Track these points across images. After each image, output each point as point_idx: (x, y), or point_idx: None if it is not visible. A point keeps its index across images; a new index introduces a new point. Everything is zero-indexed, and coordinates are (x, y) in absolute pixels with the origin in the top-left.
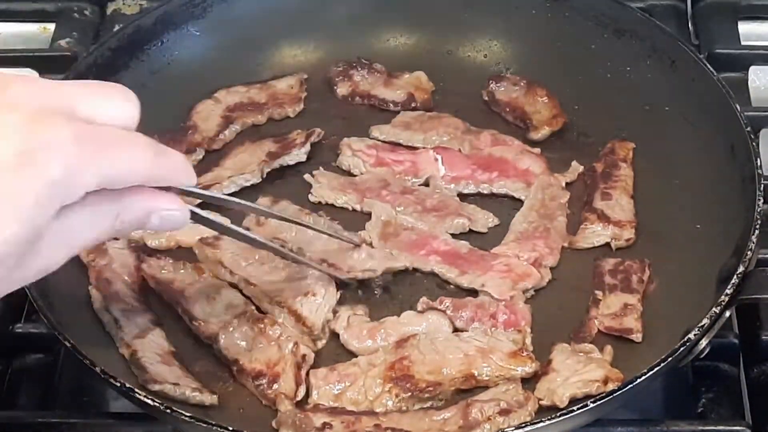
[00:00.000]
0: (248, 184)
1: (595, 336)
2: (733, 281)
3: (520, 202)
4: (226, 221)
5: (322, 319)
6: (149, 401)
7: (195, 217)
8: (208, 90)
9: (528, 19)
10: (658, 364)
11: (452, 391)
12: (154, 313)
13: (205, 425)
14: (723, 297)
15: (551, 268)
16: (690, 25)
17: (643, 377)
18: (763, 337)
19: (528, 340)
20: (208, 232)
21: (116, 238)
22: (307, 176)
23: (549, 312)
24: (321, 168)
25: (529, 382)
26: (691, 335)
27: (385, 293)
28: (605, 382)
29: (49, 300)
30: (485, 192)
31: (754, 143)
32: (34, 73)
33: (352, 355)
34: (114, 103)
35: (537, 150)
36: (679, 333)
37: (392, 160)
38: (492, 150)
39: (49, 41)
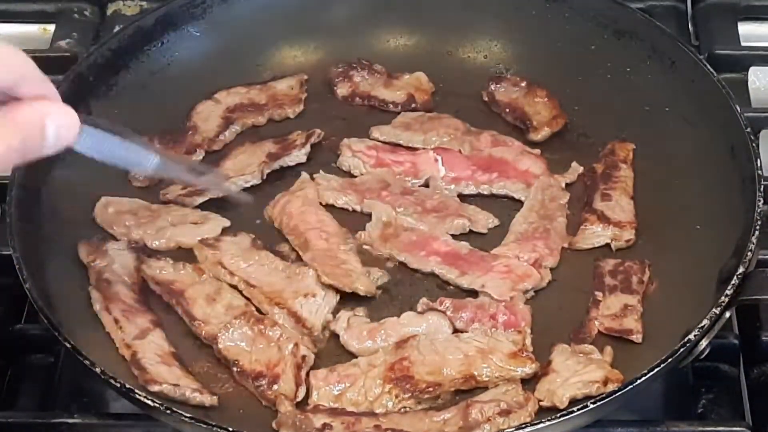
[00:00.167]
0: (248, 185)
1: (595, 337)
2: (733, 282)
3: (520, 202)
4: (225, 222)
5: (322, 320)
6: (149, 402)
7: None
8: (208, 91)
9: (528, 20)
10: (658, 365)
11: (452, 391)
12: (154, 314)
13: (205, 426)
14: (723, 298)
15: (551, 269)
16: (690, 25)
17: (643, 378)
18: (763, 338)
19: (528, 341)
20: (208, 233)
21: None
22: (306, 176)
23: (549, 313)
24: (321, 171)
25: (529, 382)
26: (691, 336)
27: (385, 294)
28: (605, 382)
29: (49, 300)
30: (485, 193)
31: (754, 144)
32: None
33: (352, 355)
34: None
35: (537, 151)
36: (679, 334)
37: (392, 160)
38: (492, 151)
39: (49, 42)
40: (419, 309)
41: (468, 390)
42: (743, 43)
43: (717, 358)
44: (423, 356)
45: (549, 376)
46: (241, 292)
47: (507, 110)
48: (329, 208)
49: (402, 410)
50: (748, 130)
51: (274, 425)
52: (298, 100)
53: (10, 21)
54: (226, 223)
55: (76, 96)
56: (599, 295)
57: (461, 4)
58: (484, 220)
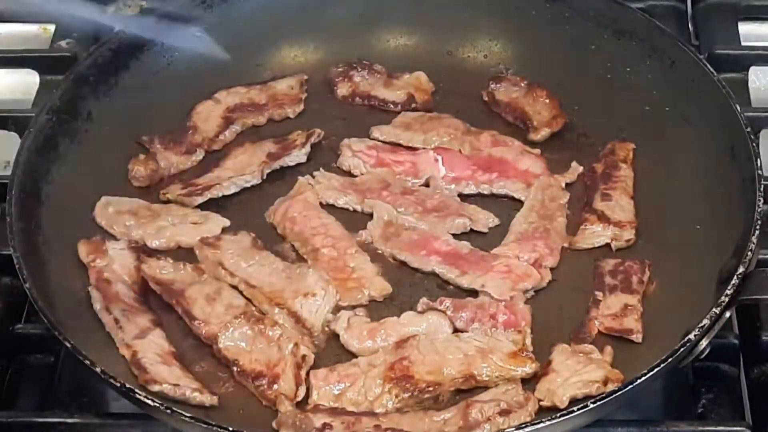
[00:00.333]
0: (248, 185)
1: (595, 336)
2: (733, 282)
3: (520, 202)
4: (225, 222)
5: (322, 320)
6: (149, 401)
7: None
8: (208, 90)
9: (528, 20)
10: (658, 365)
11: (452, 391)
12: (154, 313)
13: (205, 425)
14: (723, 297)
15: (551, 269)
16: (690, 25)
17: (643, 378)
18: (763, 338)
19: (528, 341)
20: (208, 233)
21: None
22: (307, 177)
23: (549, 312)
24: (321, 169)
25: (529, 382)
26: (691, 336)
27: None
28: (605, 382)
29: (49, 300)
30: (485, 192)
31: (754, 144)
32: (35, 73)
33: (353, 355)
34: None
35: (537, 151)
36: (679, 333)
37: (392, 160)
38: (492, 151)
39: (49, 42)
40: (419, 309)
41: (468, 390)
42: (743, 43)
43: (717, 357)
44: (423, 356)
45: (549, 375)
46: (241, 292)
47: (507, 110)
48: (329, 208)
49: (402, 410)
50: (748, 129)
51: (274, 425)
52: (298, 100)
53: (10, 20)
54: (226, 222)
55: (76, 96)
56: (599, 294)
57: (461, 4)
58: (485, 220)
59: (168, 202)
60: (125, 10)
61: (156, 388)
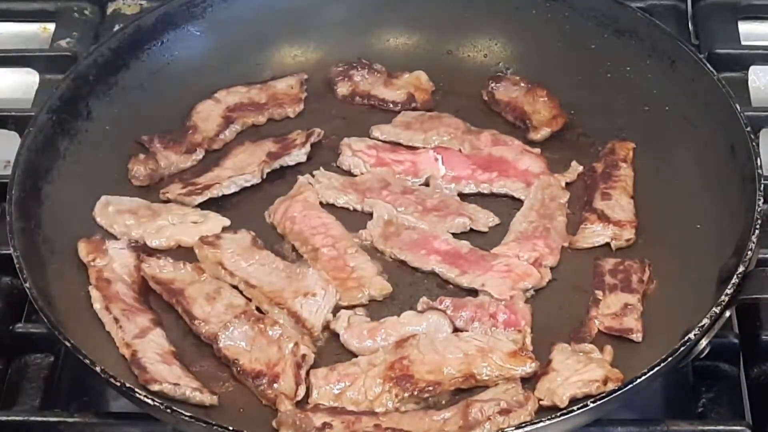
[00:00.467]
0: (248, 184)
1: (595, 336)
2: (733, 281)
3: (520, 202)
4: (225, 221)
5: (322, 319)
6: (149, 401)
7: None
8: (208, 90)
9: (528, 19)
10: (658, 364)
11: (452, 390)
12: (154, 313)
13: (205, 425)
14: (723, 297)
15: (551, 268)
16: (690, 25)
17: (643, 377)
18: (763, 337)
19: (528, 340)
20: (208, 233)
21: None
22: (307, 176)
23: (549, 312)
24: (321, 168)
25: (529, 381)
26: (691, 335)
27: None
28: (605, 382)
29: (49, 300)
30: (485, 192)
31: (754, 143)
32: (34, 73)
33: (353, 355)
34: None
35: (537, 150)
36: (679, 333)
37: (392, 160)
38: (492, 150)
39: (49, 41)
40: (419, 308)
41: (468, 389)
42: (743, 42)
43: (717, 357)
44: (423, 355)
45: (549, 375)
46: (241, 291)
47: (507, 109)
48: (329, 207)
49: (402, 409)
50: (748, 129)
51: (274, 424)
52: (298, 99)
53: (10, 20)
54: (226, 222)
55: (76, 95)
56: (599, 294)
57: (461, 3)
58: (485, 219)
59: (168, 201)
60: (125, 9)
61: (156, 387)
